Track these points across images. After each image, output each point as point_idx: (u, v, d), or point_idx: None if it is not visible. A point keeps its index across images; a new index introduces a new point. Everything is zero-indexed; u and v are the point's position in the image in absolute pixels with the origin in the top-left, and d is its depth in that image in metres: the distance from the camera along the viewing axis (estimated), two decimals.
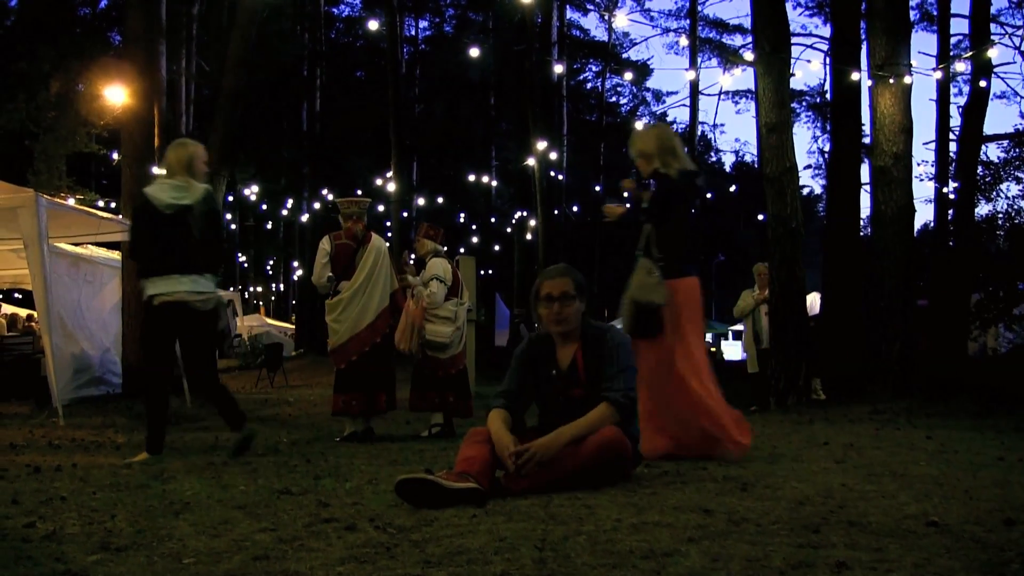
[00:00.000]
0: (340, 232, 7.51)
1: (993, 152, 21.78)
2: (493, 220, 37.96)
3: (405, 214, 29.61)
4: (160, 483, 4.29)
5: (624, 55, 43.66)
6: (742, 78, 42.77)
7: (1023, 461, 4.75)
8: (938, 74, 16.50)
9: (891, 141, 10.95)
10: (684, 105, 47.81)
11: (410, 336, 7.50)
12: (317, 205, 28.94)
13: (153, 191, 5.59)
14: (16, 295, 24.87)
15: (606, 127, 43.53)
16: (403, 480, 3.42)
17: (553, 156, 26.94)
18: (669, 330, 5.15)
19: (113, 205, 18.54)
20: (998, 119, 72.51)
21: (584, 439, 3.78)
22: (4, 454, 6.08)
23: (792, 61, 12.24)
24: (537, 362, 4.26)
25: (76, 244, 11.68)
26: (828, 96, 30.77)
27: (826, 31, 32.70)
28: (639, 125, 37.29)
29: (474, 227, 38.23)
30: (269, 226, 45.07)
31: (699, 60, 37.04)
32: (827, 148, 29.27)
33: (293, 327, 36.49)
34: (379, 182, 28.08)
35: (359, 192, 27.79)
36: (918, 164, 22.13)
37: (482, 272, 28.68)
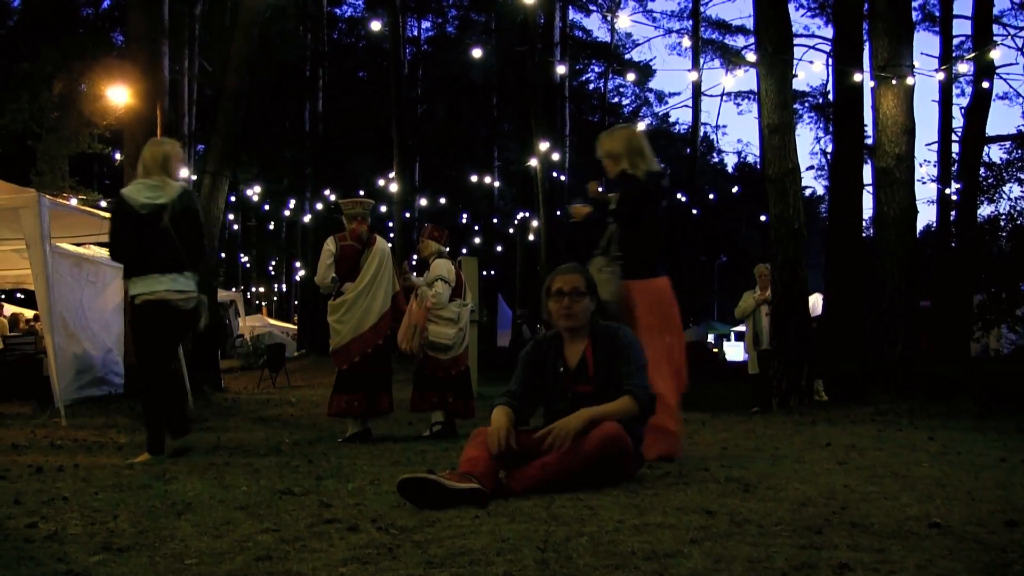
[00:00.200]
0: (345, 233, 7.51)
1: (995, 153, 21.81)
2: (495, 221, 37.95)
3: (407, 215, 29.60)
4: (162, 483, 4.29)
5: (626, 56, 43.66)
6: (744, 79, 42.88)
7: None
8: (940, 75, 16.50)
9: (893, 142, 10.95)
10: (686, 106, 47.86)
11: (412, 336, 7.51)
12: (319, 205, 28.92)
13: (129, 192, 5.59)
14: (19, 295, 24.90)
15: (609, 128, 43.44)
16: (405, 480, 3.42)
17: (555, 157, 26.93)
18: (643, 331, 5.09)
19: None
20: (1000, 120, 72.62)
21: (587, 434, 3.78)
22: (6, 454, 6.09)
23: (794, 62, 12.23)
24: (544, 361, 4.27)
25: (78, 244, 11.69)
26: (830, 97, 30.85)
27: (828, 32, 32.76)
28: (641, 126, 37.30)
29: (476, 228, 38.24)
30: (271, 226, 45.11)
31: (701, 61, 37.01)
32: (829, 149, 29.32)
33: (295, 327, 36.49)
34: (381, 182, 28.08)
35: (361, 192, 27.80)
36: (920, 165, 22.19)
37: (484, 273, 28.68)
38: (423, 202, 31.49)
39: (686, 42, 38.68)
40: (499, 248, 37.81)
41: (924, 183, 22.42)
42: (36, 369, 11.65)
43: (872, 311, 11.37)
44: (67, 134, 19.26)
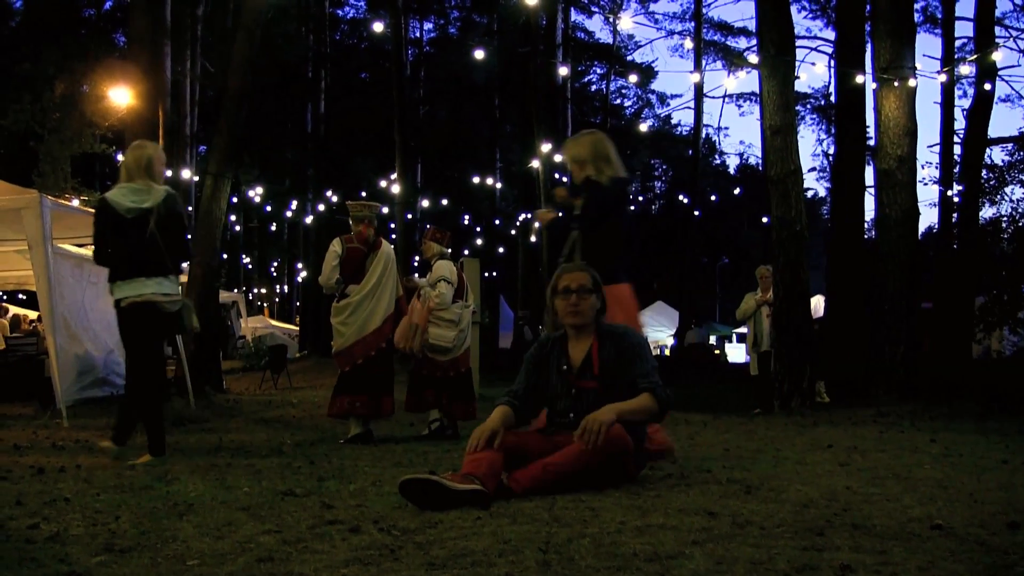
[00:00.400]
0: (351, 236, 7.52)
1: (997, 155, 21.75)
2: (497, 222, 37.95)
3: (409, 216, 29.59)
4: (164, 485, 4.29)
5: (628, 57, 43.66)
6: (746, 80, 42.74)
7: None
8: (942, 77, 16.53)
9: (895, 144, 10.95)
10: (688, 107, 47.94)
11: (412, 336, 7.51)
12: (321, 207, 28.95)
13: (113, 196, 5.58)
14: (20, 296, 24.91)
15: (610, 129, 43.40)
16: (407, 480, 3.42)
17: (557, 158, 26.92)
18: None
19: None
20: (1002, 122, 72.61)
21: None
22: (8, 455, 6.09)
23: (796, 64, 12.24)
24: (547, 361, 4.28)
25: (80, 245, 11.68)
26: (832, 99, 30.90)
27: (830, 34, 32.76)
28: (643, 127, 37.24)
29: (478, 229, 38.25)
30: (273, 228, 45.14)
31: (703, 63, 37.00)
32: (831, 151, 29.35)
33: (297, 328, 36.49)
34: (383, 184, 28.08)
35: (363, 194, 27.82)
36: (922, 167, 22.12)
37: (486, 274, 28.67)
38: (425, 203, 31.52)
39: (688, 44, 38.64)
40: (501, 250, 37.82)
41: (926, 185, 22.43)
42: (38, 370, 11.64)
43: (874, 313, 11.37)
44: (69, 135, 19.26)
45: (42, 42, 21.28)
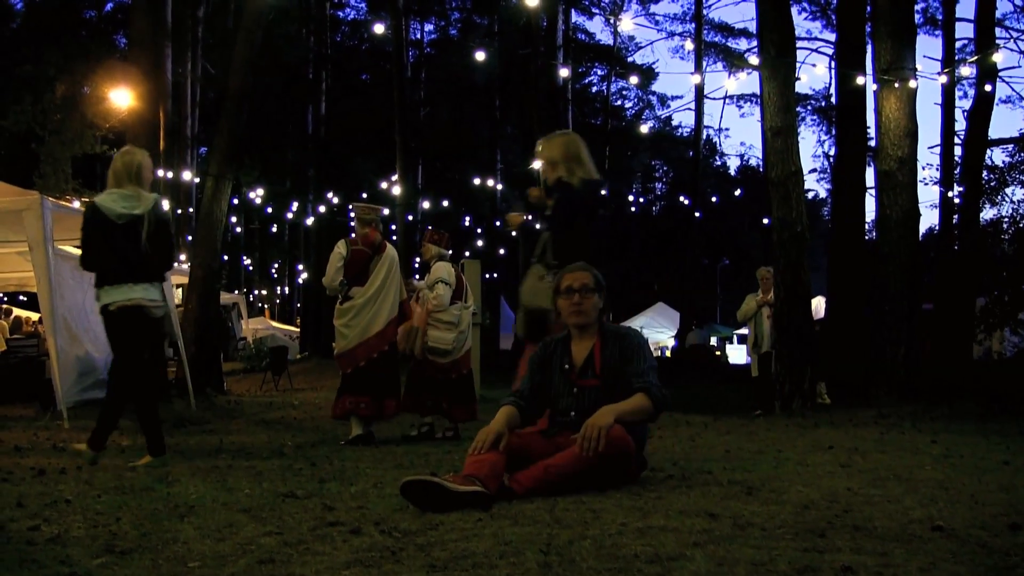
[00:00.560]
0: (356, 238, 7.53)
1: (998, 156, 21.72)
2: (498, 224, 37.94)
3: (410, 217, 29.58)
4: (165, 486, 4.30)
5: (629, 59, 43.66)
6: (747, 82, 42.64)
7: None
8: (943, 78, 16.53)
9: (896, 145, 10.95)
10: (689, 109, 47.90)
11: (412, 338, 7.53)
12: (322, 208, 28.93)
13: (104, 201, 5.57)
14: (21, 297, 24.91)
15: (611, 131, 43.48)
16: (408, 481, 3.42)
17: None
18: None
19: None
20: (1003, 123, 72.59)
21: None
22: (9, 456, 6.10)
23: (797, 65, 12.24)
24: (551, 361, 4.29)
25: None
26: (833, 100, 30.87)
27: (831, 35, 32.76)
28: (644, 128, 37.24)
29: (479, 230, 38.22)
30: (274, 229, 45.10)
31: (704, 64, 36.97)
32: (832, 152, 29.34)
33: (298, 330, 36.49)
34: (384, 185, 28.07)
35: (364, 195, 27.80)
36: (923, 168, 22.11)
37: (487, 276, 28.64)
38: (426, 205, 31.50)
39: (689, 45, 38.62)
40: (502, 251, 37.77)
41: (927, 186, 22.45)
42: (39, 371, 11.65)
43: (874, 314, 11.37)
44: (70, 136, 19.27)
45: (43, 44, 21.29)
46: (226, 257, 34.20)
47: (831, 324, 13.82)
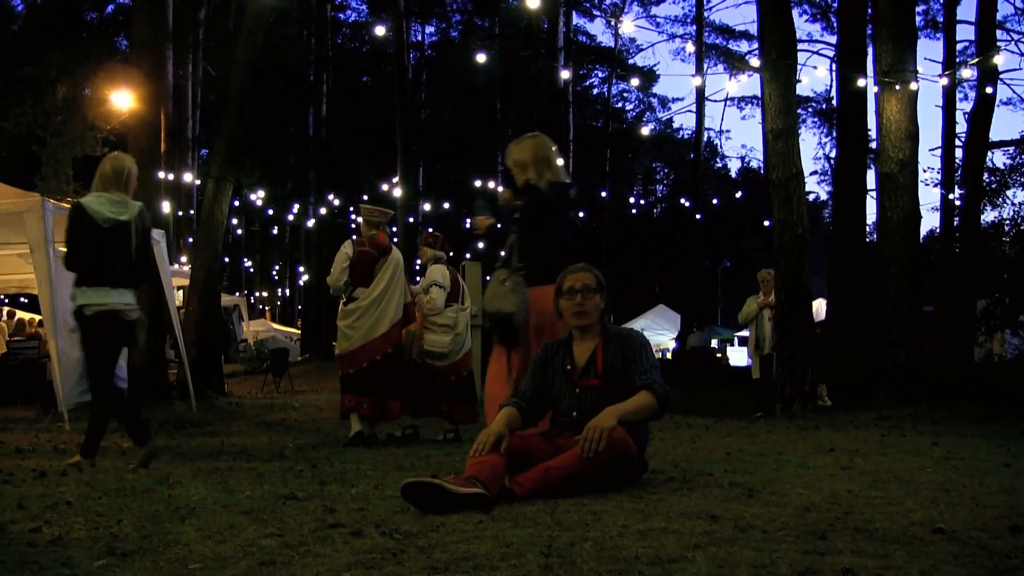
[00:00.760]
0: (363, 239, 7.52)
1: (999, 158, 21.74)
2: (499, 226, 37.91)
3: (411, 219, 29.61)
4: (166, 488, 4.29)
5: (630, 61, 43.73)
6: (748, 84, 42.70)
7: None
8: (944, 80, 16.53)
9: (897, 147, 10.95)
10: (690, 111, 47.90)
11: (410, 343, 7.55)
12: (323, 210, 28.96)
13: (91, 203, 5.56)
14: (23, 299, 24.92)
15: (612, 133, 43.51)
16: (409, 483, 3.42)
17: (559, 162, 26.94)
18: (532, 336, 5.04)
19: None
20: (1004, 125, 72.59)
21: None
22: (10, 458, 6.10)
23: (798, 67, 12.23)
24: (553, 363, 4.29)
25: None
26: (834, 102, 30.87)
27: (831, 37, 32.76)
28: (645, 130, 37.21)
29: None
30: (275, 231, 45.16)
31: (705, 66, 37.02)
32: (833, 154, 29.34)
33: (299, 332, 36.53)
34: (385, 187, 28.10)
35: (365, 197, 27.82)
36: (924, 170, 22.15)
37: (488, 278, 28.67)
38: (427, 207, 31.54)
39: (690, 47, 38.72)
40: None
41: (928, 188, 22.45)
42: (40, 373, 11.65)
43: (876, 316, 11.36)
44: (71, 138, 19.27)
45: (44, 46, 21.31)
46: (227, 259, 34.17)
47: (832, 326, 13.81)
